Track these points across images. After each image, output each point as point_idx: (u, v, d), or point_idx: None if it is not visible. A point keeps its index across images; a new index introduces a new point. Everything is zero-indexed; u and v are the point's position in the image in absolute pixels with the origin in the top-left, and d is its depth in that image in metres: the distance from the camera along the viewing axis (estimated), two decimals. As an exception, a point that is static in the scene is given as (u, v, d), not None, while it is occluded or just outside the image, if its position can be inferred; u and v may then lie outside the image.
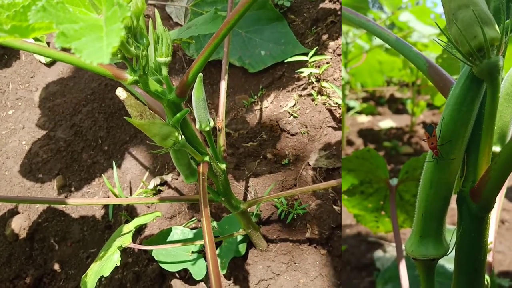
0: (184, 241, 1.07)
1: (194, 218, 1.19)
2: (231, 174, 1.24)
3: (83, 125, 1.47)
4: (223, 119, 0.83)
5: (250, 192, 1.20)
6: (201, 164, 0.68)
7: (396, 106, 3.36)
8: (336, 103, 1.29)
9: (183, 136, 0.62)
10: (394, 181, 0.93)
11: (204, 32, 0.87)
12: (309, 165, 1.21)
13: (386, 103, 3.44)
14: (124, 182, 1.35)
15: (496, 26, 0.40)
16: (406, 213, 1.00)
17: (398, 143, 2.42)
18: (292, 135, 1.28)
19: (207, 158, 0.69)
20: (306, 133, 1.27)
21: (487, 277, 0.52)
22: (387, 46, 2.36)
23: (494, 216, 0.60)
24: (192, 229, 1.12)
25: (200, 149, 0.68)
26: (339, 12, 1.44)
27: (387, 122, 2.79)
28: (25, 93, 1.64)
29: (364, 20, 0.54)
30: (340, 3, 1.44)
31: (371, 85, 2.75)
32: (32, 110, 1.57)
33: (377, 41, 2.35)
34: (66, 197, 1.35)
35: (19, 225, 1.31)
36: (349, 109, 2.83)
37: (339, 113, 1.28)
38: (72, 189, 1.37)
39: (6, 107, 1.62)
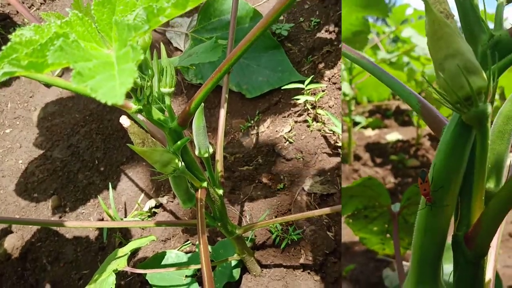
0: (179, 265, 1.07)
1: (189, 241, 1.19)
2: (227, 198, 1.25)
3: (80, 145, 1.49)
4: (221, 140, 0.85)
5: (245, 216, 1.21)
6: (199, 190, 0.69)
7: (402, 118, 3.41)
8: (331, 130, 1.32)
9: (183, 163, 0.63)
10: (396, 207, 0.94)
11: (205, 60, 0.89)
12: (304, 190, 1.22)
13: (393, 115, 3.49)
14: (119, 203, 1.35)
15: (483, 73, 0.40)
16: (410, 236, 1.01)
17: (405, 156, 2.44)
18: (288, 160, 1.30)
19: (205, 184, 0.70)
20: (301, 159, 1.29)
21: None
22: (392, 60, 2.41)
23: (492, 255, 0.58)
24: (186, 252, 1.13)
25: (199, 175, 0.69)
26: (335, 42, 1.48)
27: (393, 135, 2.81)
28: (24, 112, 1.65)
29: (359, 58, 0.56)
30: (336, 33, 1.48)
31: (377, 98, 2.77)
32: (30, 130, 1.58)
33: (381, 55, 2.39)
34: (60, 217, 1.35)
35: (12, 244, 1.30)
36: (356, 123, 2.86)
37: (334, 140, 1.31)
38: (67, 209, 1.37)
39: (4, 125, 1.62)
